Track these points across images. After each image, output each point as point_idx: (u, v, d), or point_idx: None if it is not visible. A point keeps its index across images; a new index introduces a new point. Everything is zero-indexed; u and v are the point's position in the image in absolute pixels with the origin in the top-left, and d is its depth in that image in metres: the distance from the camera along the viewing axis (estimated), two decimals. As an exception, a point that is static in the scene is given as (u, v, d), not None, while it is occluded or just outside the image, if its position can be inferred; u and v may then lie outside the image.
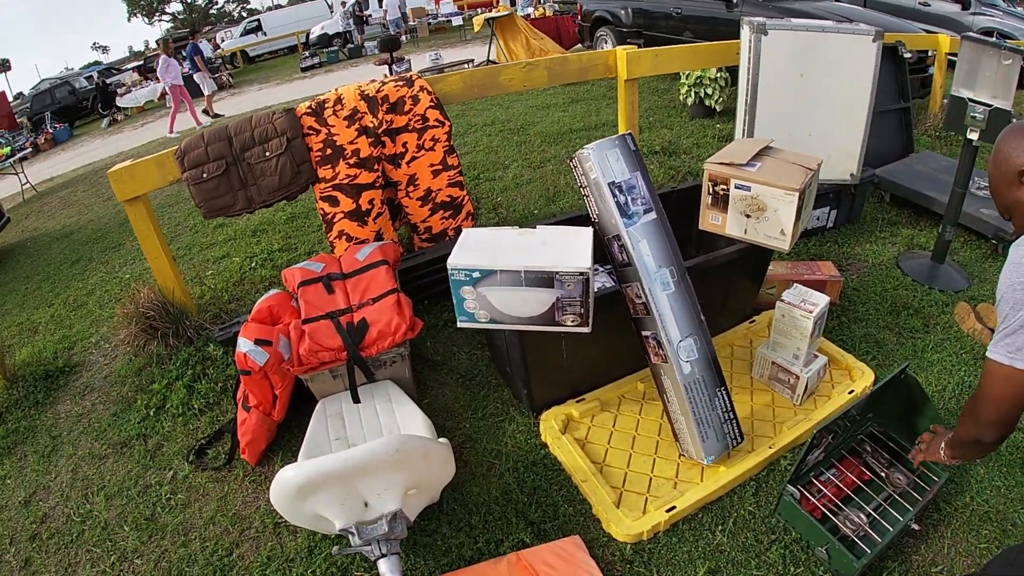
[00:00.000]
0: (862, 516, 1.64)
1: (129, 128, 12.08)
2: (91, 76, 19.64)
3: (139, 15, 44.18)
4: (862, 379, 2.15)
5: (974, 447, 1.34)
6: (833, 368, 2.24)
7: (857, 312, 2.59)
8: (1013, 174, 1.26)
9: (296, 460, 1.78)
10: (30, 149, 12.17)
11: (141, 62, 20.19)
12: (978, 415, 1.27)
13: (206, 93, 10.30)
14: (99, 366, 2.85)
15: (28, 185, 7.97)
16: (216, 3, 46.69)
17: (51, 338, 3.24)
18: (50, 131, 13.61)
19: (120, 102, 14.35)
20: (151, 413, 2.39)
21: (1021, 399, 1.19)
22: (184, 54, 10.11)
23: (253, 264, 3.51)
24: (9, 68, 22.85)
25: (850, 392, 2.10)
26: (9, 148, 9.41)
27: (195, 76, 10.23)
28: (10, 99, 15.84)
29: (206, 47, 18.80)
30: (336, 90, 2.63)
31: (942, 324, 2.51)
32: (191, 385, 2.44)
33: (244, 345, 1.98)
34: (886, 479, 1.75)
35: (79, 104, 16.30)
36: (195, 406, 2.35)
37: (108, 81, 16.97)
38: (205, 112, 9.91)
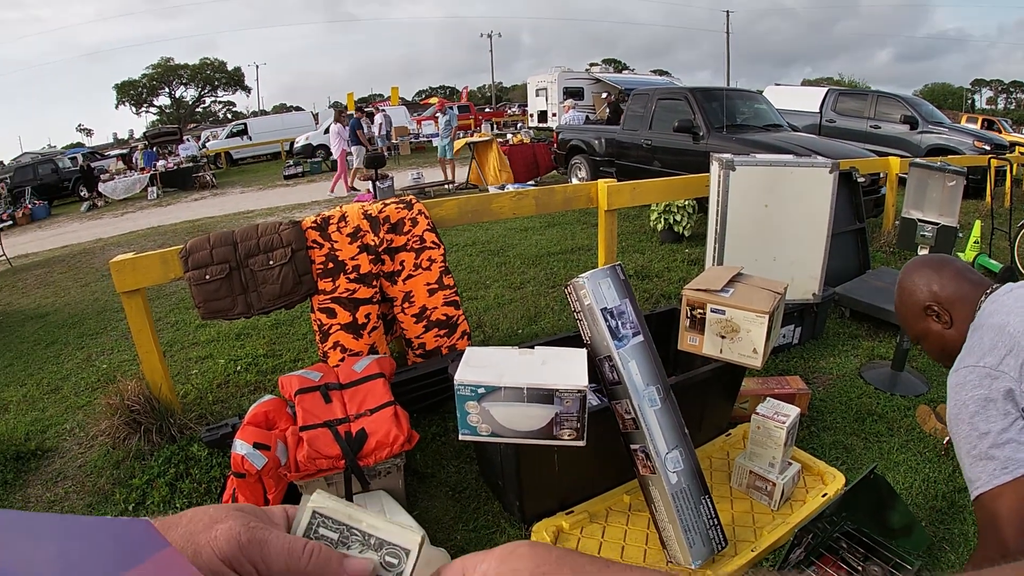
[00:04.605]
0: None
1: (110, 215, 12.13)
2: (75, 158, 19.86)
3: (127, 104, 45.61)
4: (834, 483, 2.26)
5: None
6: (806, 474, 2.34)
7: (825, 421, 2.73)
8: (918, 309, 1.36)
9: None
10: (9, 222, 12.16)
11: (126, 151, 20.55)
12: (1005, 548, 1.06)
13: (355, 165, 11.31)
14: (73, 454, 2.78)
15: (4, 257, 7.88)
16: (203, 102, 48.55)
17: (23, 419, 3.16)
18: (29, 206, 13.64)
19: (102, 188, 14.51)
20: (130, 508, 2.31)
21: None
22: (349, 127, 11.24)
23: (238, 368, 3.52)
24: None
25: (823, 495, 2.19)
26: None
27: (352, 148, 11.21)
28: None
29: (192, 145, 19.31)
30: (341, 208, 2.81)
31: (905, 427, 2.66)
32: (173, 483, 2.39)
33: (242, 448, 2.01)
34: (863, 572, 1.84)
35: (60, 184, 16.42)
36: (177, 505, 2.30)
37: (93, 165, 17.21)
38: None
